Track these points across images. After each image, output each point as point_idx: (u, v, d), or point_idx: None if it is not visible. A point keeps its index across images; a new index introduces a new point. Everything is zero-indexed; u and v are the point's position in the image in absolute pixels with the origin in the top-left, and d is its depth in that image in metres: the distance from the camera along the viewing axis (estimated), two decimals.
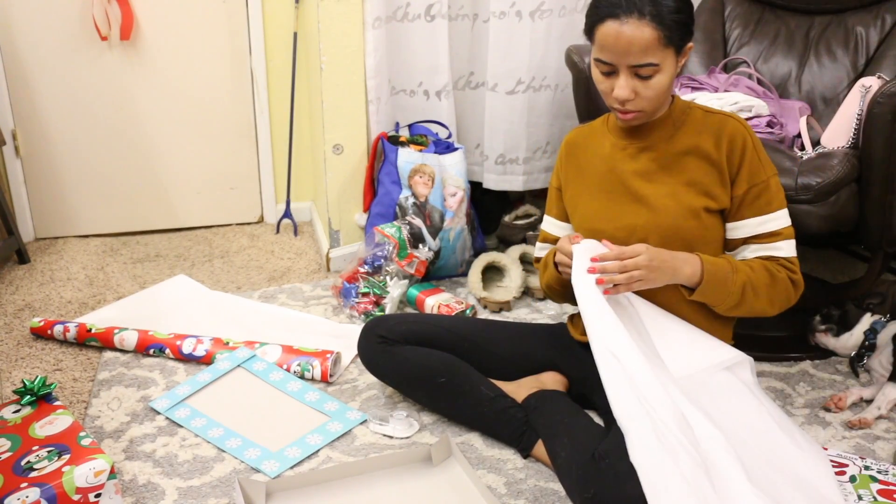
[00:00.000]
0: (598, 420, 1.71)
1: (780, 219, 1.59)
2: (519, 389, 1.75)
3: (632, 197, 1.61)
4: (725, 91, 2.32)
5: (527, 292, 2.49)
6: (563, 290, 1.67)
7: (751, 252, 1.60)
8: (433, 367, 1.73)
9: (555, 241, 1.77)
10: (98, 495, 1.46)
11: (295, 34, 2.85)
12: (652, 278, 1.49)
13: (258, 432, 1.77)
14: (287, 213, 3.04)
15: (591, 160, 1.68)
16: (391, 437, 1.77)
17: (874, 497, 1.53)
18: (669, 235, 1.56)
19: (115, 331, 2.13)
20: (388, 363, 1.80)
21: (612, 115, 1.64)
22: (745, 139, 1.55)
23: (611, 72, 1.48)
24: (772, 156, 1.95)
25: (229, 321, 2.30)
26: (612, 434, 1.45)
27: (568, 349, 1.78)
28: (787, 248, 1.60)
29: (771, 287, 1.57)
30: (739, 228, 1.60)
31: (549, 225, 1.81)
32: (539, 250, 1.85)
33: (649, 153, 1.60)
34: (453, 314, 2.24)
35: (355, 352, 2.03)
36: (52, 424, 1.59)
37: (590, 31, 1.49)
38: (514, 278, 2.46)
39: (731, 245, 1.63)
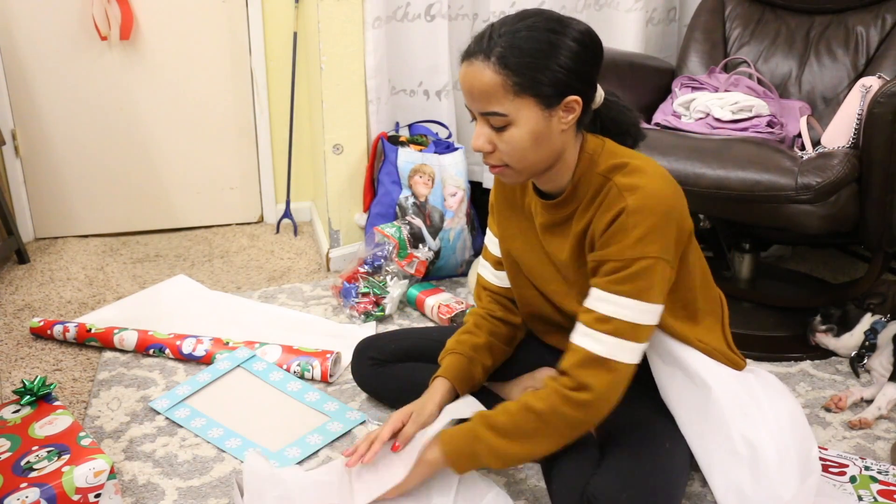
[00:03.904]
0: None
1: (618, 306, 1.30)
2: (514, 389, 1.74)
3: (556, 272, 1.50)
4: (726, 91, 2.32)
5: None
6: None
7: (575, 334, 1.35)
8: (426, 382, 1.70)
9: (494, 261, 1.65)
10: (98, 495, 1.46)
11: (295, 34, 2.85)
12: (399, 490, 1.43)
13: (258, 432, 1.77)
14: (287, 213, 3.04)
15: (529, 202, 1.51)
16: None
17: (874, 497, 1.53)
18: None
19: (115, 331, 2.13)
20: (382, 384, 1.81)
21: None
22: (624, 209, 1.30)
23: (474, 118, 1.35)
24: (772, 156, 1.95)
25: (229, 321, 2.29)
26: (605, 467, 1.38)
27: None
28: (608, 346, 1.30)
29: (540, 427, 1.35)
30: (586, 297, 1.37)
31: (490, 242, 1.66)
32: (480, 266, 1.71)
33: (560, 236, 1.45)
34: (453, 314, 2.24)
35: None
36: (52, 424, 1.59)
37: None
38: None
39: None
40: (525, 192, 1.53)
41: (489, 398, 1.71)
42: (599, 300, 1.32)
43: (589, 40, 1.30)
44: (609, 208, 1.32)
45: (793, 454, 1.40)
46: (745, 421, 1.41)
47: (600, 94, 1.39)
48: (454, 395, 1.59)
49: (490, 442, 1.37)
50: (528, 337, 1.79)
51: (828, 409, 1.87)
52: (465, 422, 1.45)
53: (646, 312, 1.31)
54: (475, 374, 1.61)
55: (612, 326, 1.30)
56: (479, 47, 1.28)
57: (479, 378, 1.63)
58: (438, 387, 1.57)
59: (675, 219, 1.32)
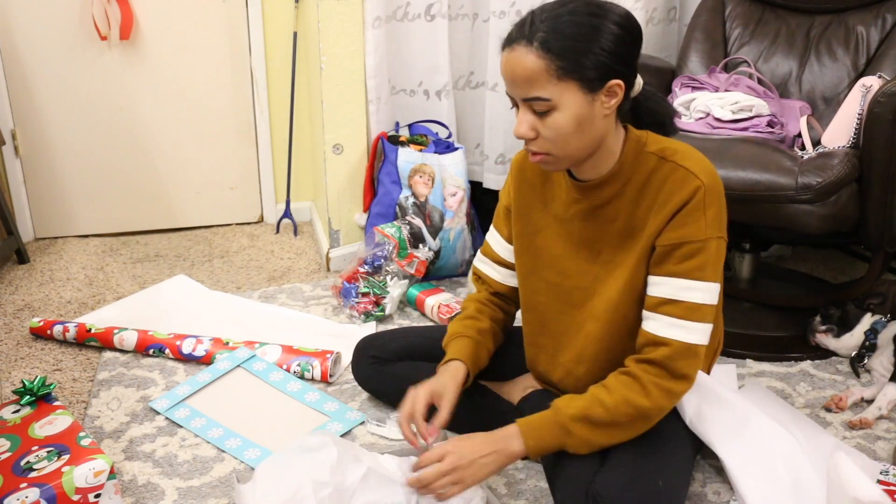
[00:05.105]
0: None
1: (706, 292, 1.34)
2: (514, 389, 1.73)
3: (589, 261, 1.47)
4: (726, 91, 2.32)
5: None
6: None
7: (662, 326, 1.35)
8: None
9: (499, 261, 1.65)
10: (98, 495, 1.46)
11: (295, 34, 2.85)
12: (470, 475, 1.34)
13: (258, 432, 1.77)
14: (287, 213, 3.04)
15: (554, 193, 1.50)
16: (389, 439, 1.77)
17: None
18: (615, 321, 1.45)
19: (115, 331, 2.13)
20: (383, 382, 1.81)
21: None
22: (700, 187, 1.32)
23: (515, 105, 1.34)
24: (772, 156, 1.95)
25: (229, 321, 2.29)
26: (609, 465, 1.38)
27: None
28: (699, 334, 1.34)
29: (637, 420, 1.36)
30: (659, 285, 1.36)
31: (496, 242, 1.66)
32: (479, 261, 1.71)
33: (600, 219, 1.43)
34: (453, 314, 2.24)
35: None
36: (52, 424, 1.59)
37: None
38: None
39: (646, 304, 1.39)
40: (546, 182, 1.52)
41: (489, 397, 1.72)
42: (686, 289, 1.33)
43: (630, 24, 1.30)
44: (680, 187, 1.34)
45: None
46: (781, 442, 1.50)
47: (639, 81, 1.39)
48: (467, 377, 1.56)
49: (583, 434, 1.36)
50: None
51: (828, 409, 1.87)
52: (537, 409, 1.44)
53: (717, 292, 1.36)
54: (482, 358, 1.61)
55: (701, 313, 1.34)
56: (521, 33, 1.28)
57: (485, 362, 1.63)
58: (457, 369, 1.55)
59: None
